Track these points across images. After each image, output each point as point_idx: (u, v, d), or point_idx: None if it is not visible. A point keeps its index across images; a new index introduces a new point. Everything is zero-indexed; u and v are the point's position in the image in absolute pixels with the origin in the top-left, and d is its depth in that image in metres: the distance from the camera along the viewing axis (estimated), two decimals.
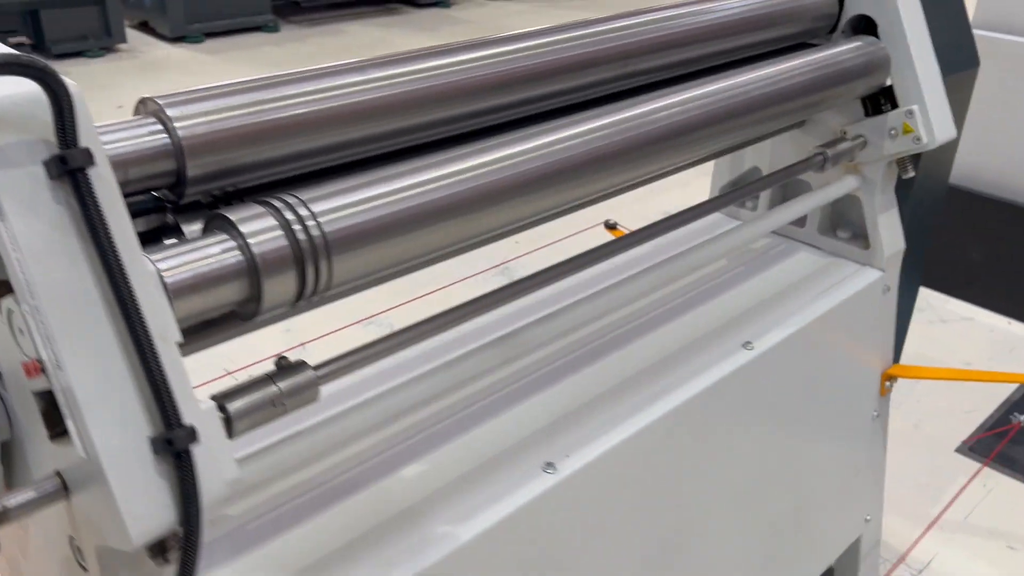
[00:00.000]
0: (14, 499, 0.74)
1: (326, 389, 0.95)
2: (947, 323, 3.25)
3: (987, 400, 2.81)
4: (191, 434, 0.69)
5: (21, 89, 0.66)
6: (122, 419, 0.68)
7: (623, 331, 1.49)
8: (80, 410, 0.67)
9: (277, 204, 0.86)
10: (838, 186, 1.70)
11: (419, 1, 8.11)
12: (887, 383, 1.86)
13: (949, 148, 1.88)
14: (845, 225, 1.82)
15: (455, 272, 3.24)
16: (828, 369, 1.71)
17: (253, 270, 0.81)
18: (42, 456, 0.78)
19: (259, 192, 0.90)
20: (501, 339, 1.19)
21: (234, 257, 0.81)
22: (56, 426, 0.74)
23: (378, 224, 0.89)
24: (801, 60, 1.50)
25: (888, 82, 1.63)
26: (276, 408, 0.88)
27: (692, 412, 1.36)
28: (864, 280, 1.72)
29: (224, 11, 6.70)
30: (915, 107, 1.60)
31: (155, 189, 0.86)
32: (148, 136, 0.82)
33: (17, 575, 1.03)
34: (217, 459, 0.73)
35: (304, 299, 0.87)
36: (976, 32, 1.95)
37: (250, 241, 0.82)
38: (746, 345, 1.47)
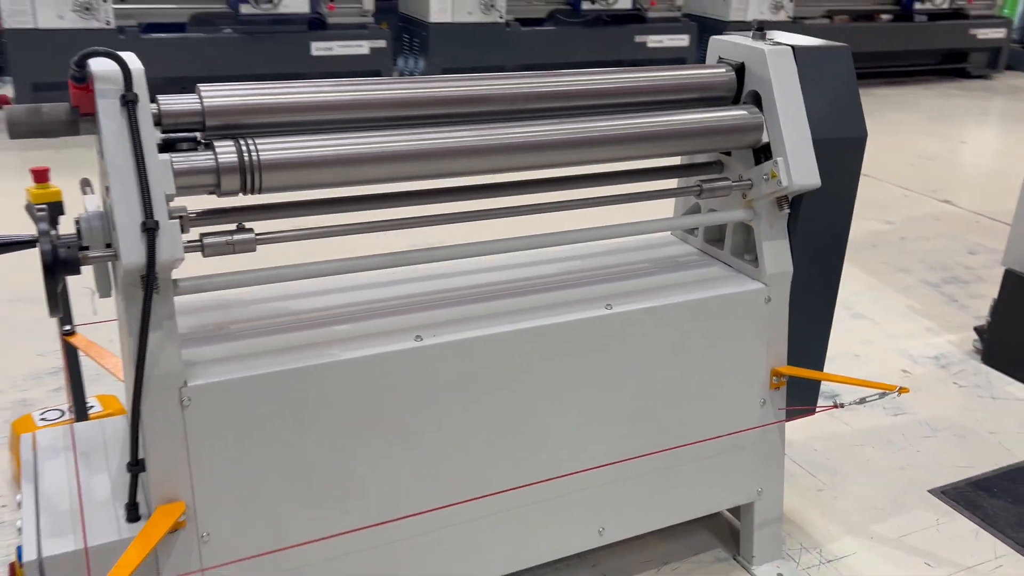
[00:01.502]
0: (94, 253, 1.61)
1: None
2: (996, 400, 3.45)
3: (987, 461, 3.04)
4: (155, 224, 1.53)
5: (112, 66, 1.54)
6: (131, 214, 1.53)
7: (525, 283, 2.17)
8: (114, 208, 1.53)
9: (241, 142, 1.69)
10: (729, 213, 2.27)
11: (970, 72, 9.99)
12: (775, 378, 2.33)
13: (845, 197, 2.34)
14: (750, 250, 2.36)
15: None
16: (708, 352, 2.24)
17: (216, 169, 1.65)
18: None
19: (241, 137, 1.74)
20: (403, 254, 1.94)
21: (208, 161, 1.65)
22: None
23: (288, 160, 1.70)
24: (680, 116, 2.13)
25: (766, 139, 2.20)
26: (228, 246, 1.71)
27: (541, 337, 2.01)
28: (745, 288, 2.26)
29: None
30: (780, 159, 2.15)
31: (192, 130, 1.73)
32: (188, 102, 1.69)
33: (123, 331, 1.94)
34: (171, 245, 1.56)
35: (246, 191, 1.70)
36: None
37: (219, 155, 1.66)
38: (607, 306, 2.10)
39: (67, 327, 2.28)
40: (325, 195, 1.87)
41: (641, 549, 2.53)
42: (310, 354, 1.82)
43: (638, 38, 8.11)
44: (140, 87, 1.56)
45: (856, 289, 4.42)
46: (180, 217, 1.66)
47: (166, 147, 1.67)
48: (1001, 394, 3.48)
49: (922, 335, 3.97)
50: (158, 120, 1.65)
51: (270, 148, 1.70)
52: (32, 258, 1.60)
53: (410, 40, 7.81)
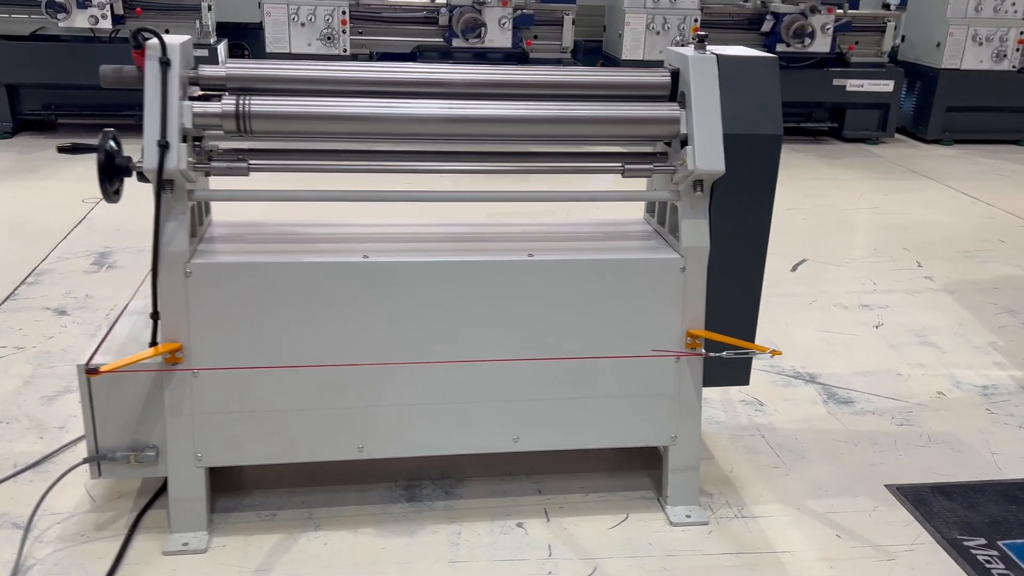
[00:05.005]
0: (141, 163, 2.43)
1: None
2: (1022, 429, 3.43)
3: (969, 473, 3.10)
4: (166, 144, 2.31)
5: (156, 41, 2.35)
6: (153, 136, 2.32)
7: (474, 233, 2.74)
8: (145, 131, 2.34)
9: (242, 97, 2.44)
10: (654, 193, 2.70)
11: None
12: (688, 339, 2.69)
13: (762, 185, 2.65)
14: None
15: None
16: (622, 306, 2.66)
17: (220, 115, 2.42)
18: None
19: (244, 94, 2.48)
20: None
21: (216, 109, 2.42)
22: None
23: (270, 112, 2.43)
24: (609, 108, 2.61)
25: (684, 131, 2.61)
26: (227, 169, 2.46)
27: (460, 270, 2.56)
28: (661, 256, 2.66)
29: (974, 126, 8.85)
30: (689, 147, 2.56)
31: (222, 90, 2.50)
32: (216, 70, 2.48)
33: None
34: (176, 159, 2.33)
35: (241, 133, 2.44)
36: None
37: (223, 104, 2.42)
38: (529, 255, 2.61)
39: None
40: (312, 146, 2.59)
41: (581, 479, 2.96)
42: (279, 256, 2.53)
43: (837, 81, 8.18)
44: (174, 56, 2.36)
45: (944, 322, 4.43)
46: (197, 146, 2.44)
47: (202, 99, 2.46)
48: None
49: (985, 367, 3.95)
50: (195, 80, 2.45)
51: (259, 103, 2.44)
52: None
53: None
